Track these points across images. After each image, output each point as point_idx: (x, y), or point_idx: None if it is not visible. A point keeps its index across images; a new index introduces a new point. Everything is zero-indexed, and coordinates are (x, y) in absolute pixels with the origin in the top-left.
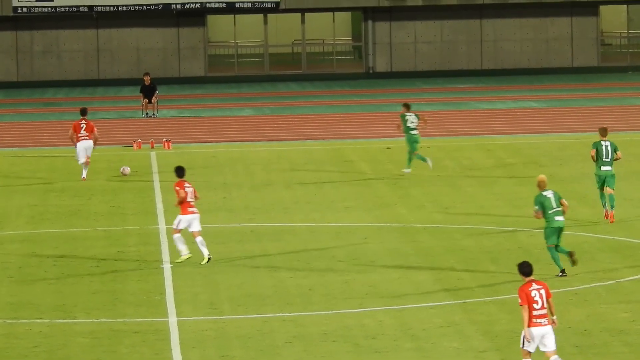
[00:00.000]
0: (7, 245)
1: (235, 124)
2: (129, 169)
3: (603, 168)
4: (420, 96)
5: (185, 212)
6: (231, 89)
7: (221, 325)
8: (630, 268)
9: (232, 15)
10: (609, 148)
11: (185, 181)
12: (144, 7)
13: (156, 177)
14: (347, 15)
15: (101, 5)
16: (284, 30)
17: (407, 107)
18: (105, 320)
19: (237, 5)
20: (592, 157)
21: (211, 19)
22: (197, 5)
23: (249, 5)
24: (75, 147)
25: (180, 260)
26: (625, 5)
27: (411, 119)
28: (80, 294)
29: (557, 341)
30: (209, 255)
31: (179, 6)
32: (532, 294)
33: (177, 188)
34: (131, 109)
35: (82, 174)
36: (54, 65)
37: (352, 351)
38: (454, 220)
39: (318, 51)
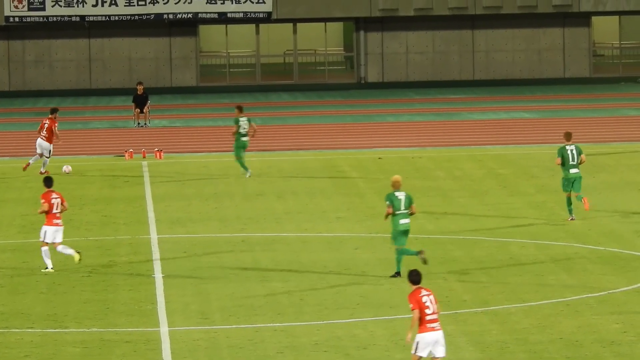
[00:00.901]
0: None
1: (227, 134)
2: (70, 167)
3: (572, 171)
4: (412, 107)
5: (50, 224)
6: (223, 99)
7: (212, 335)
8: (621, 279)
9: (224, 26)
10: (574, 152)
11: (53, 191)
12: (136, 16)
13: (148, 187)
14: (339, 26)
15: (93, 15)
16: (275, 41)
17: (239, 109)
18: (96, 329)
19: (229, 15)
20: (558, 163)
21: (203, 29)
22: (189, 16)
23: (241, 15)
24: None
25: (43, 271)
26: (617, 17)
27: (244, 124)
28: (72, 304)
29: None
30: (76, 252)
31: (171, 16)
32: (423, 300)
33: (43, 200)
34: (123, 119)
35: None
36: (45, 74)
37: None
38: (445, 231)
39: (310, 61)
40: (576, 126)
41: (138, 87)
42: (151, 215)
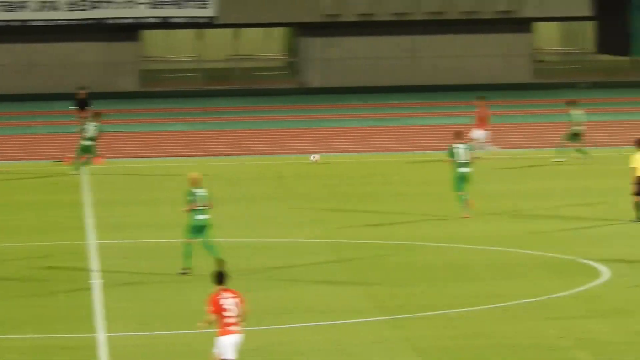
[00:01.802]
0: None
1: (169, 139)
2: (318, 156)
3: (460, 169)
4: (354, 112)
5: None
6: (165, 104)
7: (151, 341)
8: (559, 284)
9: (166, 31)
10: (463, 150)
11: None
12: (77, 21)
13: (88, 193)
14: (281, 31)
15: (33, 20)
16: (217, 46)
17: (97, 116)
18: (34, 336)
19: (171, 20)
20: (447, 162)
21: (145, 34)
22: (131, 20)
23: (184, 20)
24: None
25: None
26: (558, 23)
27: (92, 129)
28: (9, 310)
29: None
30: None
31: (112, 21)
32: (221, 302)
33: None
34: (63, 124)
35: None
36: None
37: None
38: (383, 236)
39: (252, 66)
40: (517, 131)
41: (80, 92)
42: (90, 220)
